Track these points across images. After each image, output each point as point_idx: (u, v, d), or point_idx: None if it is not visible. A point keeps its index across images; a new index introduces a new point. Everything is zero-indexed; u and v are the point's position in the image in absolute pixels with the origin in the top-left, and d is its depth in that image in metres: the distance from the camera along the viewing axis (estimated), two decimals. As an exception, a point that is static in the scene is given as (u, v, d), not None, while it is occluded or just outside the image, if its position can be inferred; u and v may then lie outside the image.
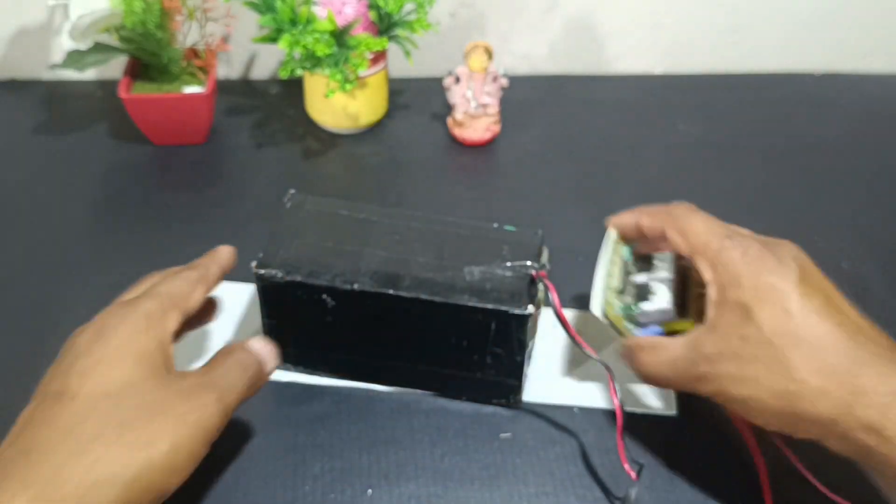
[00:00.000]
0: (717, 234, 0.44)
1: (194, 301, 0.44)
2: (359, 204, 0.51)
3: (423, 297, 0.46)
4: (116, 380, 0.38)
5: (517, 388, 0.50)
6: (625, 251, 0.49)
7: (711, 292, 0.43)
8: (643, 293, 0.47)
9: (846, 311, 0.41)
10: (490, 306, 0.46)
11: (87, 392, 0.38)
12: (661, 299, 0.47)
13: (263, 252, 0.48)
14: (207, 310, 0.49)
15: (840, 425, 0.38)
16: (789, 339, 0.40)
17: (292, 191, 0.52)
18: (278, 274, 0.46)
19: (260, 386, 0.44)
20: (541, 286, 0.48)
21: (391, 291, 0.46)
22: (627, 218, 0.49)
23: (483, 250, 0.49)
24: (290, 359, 0.51)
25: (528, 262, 0.48)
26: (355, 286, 0.46)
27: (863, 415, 0.37)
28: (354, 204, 0.51)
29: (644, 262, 0.49)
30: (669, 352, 0.44)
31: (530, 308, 0.46)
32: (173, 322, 0.42)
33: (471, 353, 0.48)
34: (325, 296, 0.47)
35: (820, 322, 0.40)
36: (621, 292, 0.48)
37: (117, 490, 0.36)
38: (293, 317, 0.48)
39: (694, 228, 0.44)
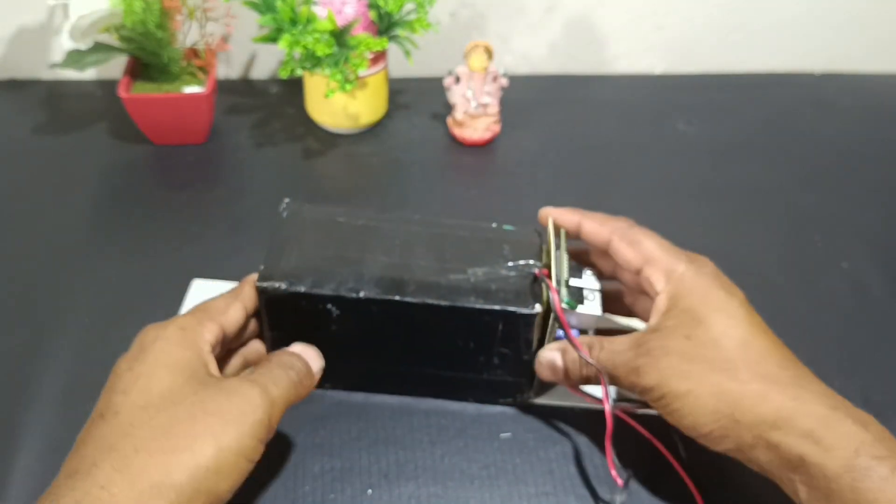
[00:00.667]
0: (671, 250, 0.46)
1: (231, 316, 0.44)
2: (356, 210, 0.51)
3: (429, 301, 0.46)
4: (155, 390, 0.38)
5: (524, 386, 0.50)
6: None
7: (661, 301, 0.44)
8: (577, 297, 0.48)
9: (776, 337, 0.43)
10: (497, 307, 0.46)
11: (129, 407, 0.37)
12: (595, 306, 0.47)
13: (264, 265, 0.47)
14: (253, 335, 0.49)
15: (779, 431, 0.38)
16: (736, 343, 0.41)
17: (287, 200, 0.51)
18: (281, 286, 0.46)
19: (308, 386, 0.44)
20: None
21: (397, 297, 0.46)
22: (568, 217, 0.49)
23: (484, 251, 0.49)
24: None
25: (531, 261, 0.48)
26: (361, 294, 0.46)
27: (803, 423, 0.38)
28: (351, 210, 0.51)
29: (575, 269, 0.49)
30: (613, 344, 0.44)
31: (537, 307, 0.46)
32: (210, 333, 0.42)
33: (478, 354, 0.48)
34: (329, 305, 0.46)
35: (763, 335, 0.42)
36: (566, 286, 0.48)
37: (168, 499, 0.35)
38: (298, 328, 0.47)
39: (646, 242, 0.46)
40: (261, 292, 0.46)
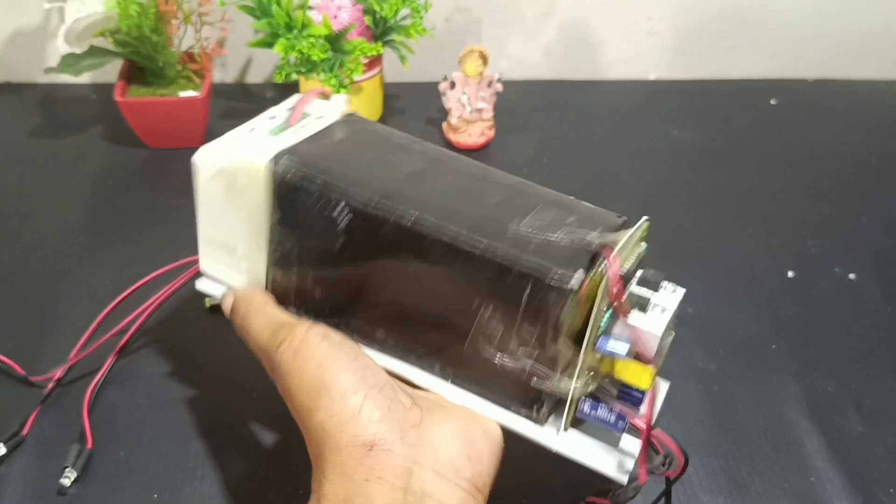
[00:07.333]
0: None
1: None
2: (420, 140, 0.44)
3: (450, 231, 0.36)
4: None
5: (544, 398, 0.37)
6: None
7: None
8: (637, 303, 0.37)
9: None
10: (524, 264, 0.34)
11: None
12: (657, 325, 0.36)
13: (291, 149, 0.41)
14: None
15: None
16: None
17: (354, 113, 0.46)
18: (293, 167, 0.39)
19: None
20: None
21: (413, 218, 0.37)
22: None
23: (546, 211, 0.38)
24: (287, 294, 0.42)
25: (594, 233, 0.37)
26: (373, 203, 0.37)
27: None
28: (415, 138, 0.44)
29: (650, 274, 0.38)
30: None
31: (576, 278, 0.34)
32: None
33: (495, 323, 0.37)
34: (339, 210, 0.38)
35: None
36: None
37: None
38: (303, 231, 0.40)
39: None
40: (273, 175, 0.39)
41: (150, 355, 0.53)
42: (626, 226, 0.39)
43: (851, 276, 0.62)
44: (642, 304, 0.37)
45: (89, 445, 0.47)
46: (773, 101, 0.78)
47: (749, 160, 0.75)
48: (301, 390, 0.36)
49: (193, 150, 0.76)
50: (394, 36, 0.70)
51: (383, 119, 0.76)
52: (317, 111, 0.45)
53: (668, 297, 0.38)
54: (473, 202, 0.39)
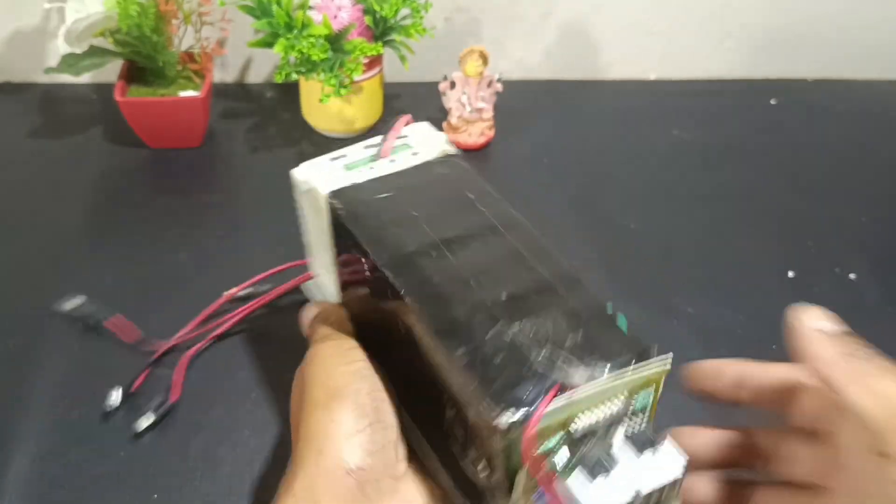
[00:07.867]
0: None
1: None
2: (495, 197, 0.42)
3: (425, 318, 0.33)
4: None
5: None
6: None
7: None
8: (589, 466, 0.30)
9: None
10: (461, 385, 0.31)
11: None
12: (610, 498, 0.29)
13: (343, 190, 0.40)
14: None
15: None
16: None
17: (454, 154, 0.44)
18: (338, 206, 0.39)
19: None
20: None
21: (402, 292, 0.34)
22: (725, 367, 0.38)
23: (557, 321, 0.32)
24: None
25: (582, 366, 0.30)
26: (381, 265, 0.36)
27: None
28: (491, 196, 0.42)
29: (641, 438, 0.31)
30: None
31: (504, 419, 0.28)
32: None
33: (457, 427, 0.33)
34: (364, 259, 0.38)
35: None
36: (586, 442, 0.31)
37: None
38: (350, 251, 0.40)
39: None
40: (328, 203, 0.40)
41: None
42: (643, 357, 0.31)
43: (851, 276, 0.63)
44: (594, 467, 0.30)
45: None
46: (773, 101, 0.78)
47: (749, 160, 0.75)
48: (321, 384, 0.37)
49: (193, 150, 0.77)
50: (394, 36, 0.70)
51: (384, 119, 0.76)
52: (416, 144, 0.44)
53: (649, 469, 0.30)
54: (481, 289, 0.34)
